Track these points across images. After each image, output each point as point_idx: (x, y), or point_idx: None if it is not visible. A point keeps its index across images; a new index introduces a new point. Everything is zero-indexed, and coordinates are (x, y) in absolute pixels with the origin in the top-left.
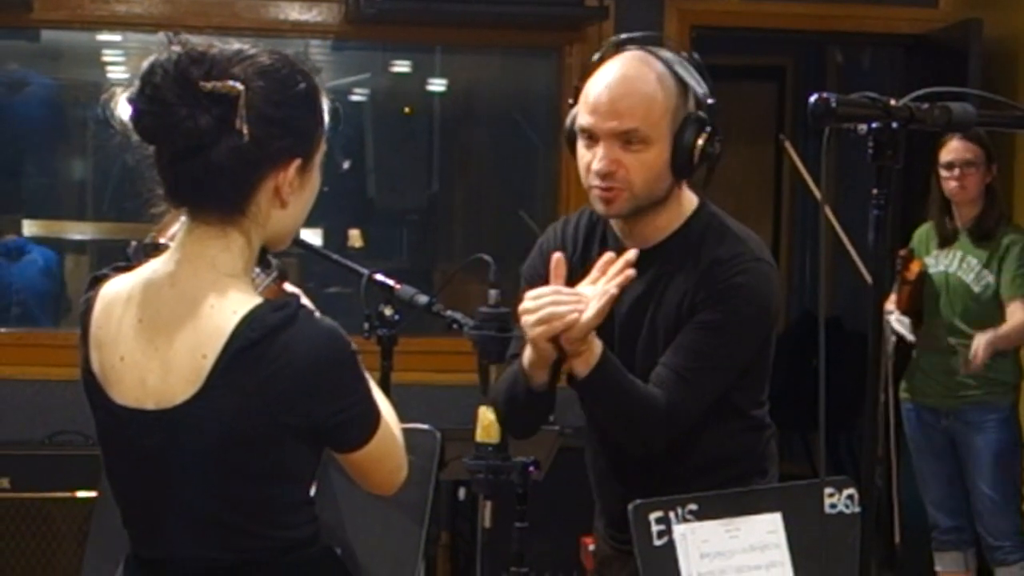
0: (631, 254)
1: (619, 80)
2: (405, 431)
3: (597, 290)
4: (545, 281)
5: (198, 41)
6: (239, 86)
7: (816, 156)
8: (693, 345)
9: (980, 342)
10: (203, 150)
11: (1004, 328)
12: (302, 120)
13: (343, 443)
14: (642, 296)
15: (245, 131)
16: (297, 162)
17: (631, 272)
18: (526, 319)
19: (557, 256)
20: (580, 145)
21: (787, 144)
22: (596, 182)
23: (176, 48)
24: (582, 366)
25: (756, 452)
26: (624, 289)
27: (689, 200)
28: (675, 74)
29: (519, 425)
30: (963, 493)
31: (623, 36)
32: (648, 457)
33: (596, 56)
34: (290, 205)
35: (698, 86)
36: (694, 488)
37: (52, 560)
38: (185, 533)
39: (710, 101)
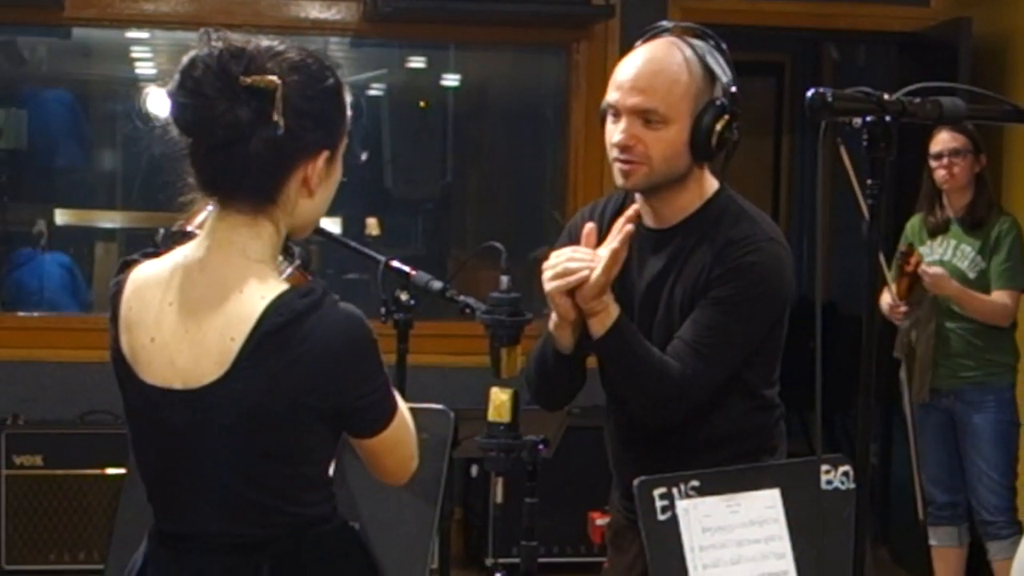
0: (632, 209)
1: (645, 61)
2: (421, 410)
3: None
4: None
5: (236, 37)
6: (277, 80)
7: (813, 149)
8: (707, 320)
9: (953, 283)
10: (241, 142)
11: (977, 296)
12: (331, 113)
13: (361, 428)
14: (661, 273)
15: (281, 123)
16: (325, 153)
17: (630, 228)
18: (545, 275)
19: (590, 226)
20: (608, 121)
21: (843, 149)
22: (616, 154)
23: (217, 43)
24: (598, 326)
25: (766, 430)
26: (645, 267)
27: (710, 184)
28: (703, 61)
29: (550, 392)
30: (959, 471)
31: (664, 23)
32: (661, 432)
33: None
34: (316, 195)
35: (724, 75)
36: (705, 463)
37: (83, 534)
38: (209, 508)
39: (733, 90)
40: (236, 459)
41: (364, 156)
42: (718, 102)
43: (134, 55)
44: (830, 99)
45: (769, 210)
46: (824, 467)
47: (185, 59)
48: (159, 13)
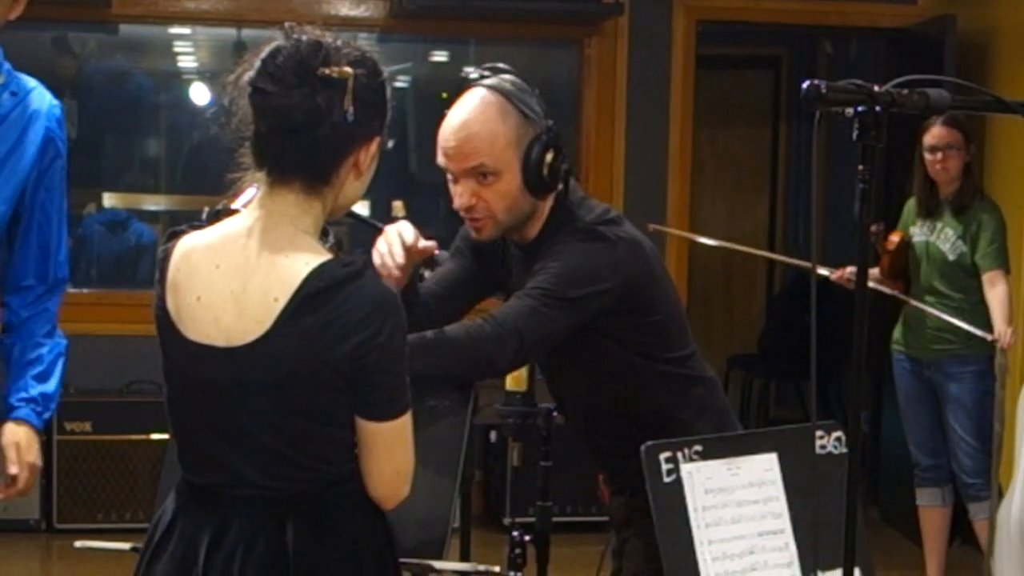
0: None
1: (462, 123)
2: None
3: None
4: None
5: (314, 31)
6: (351, 71)
7: (809, 137)
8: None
9: (1003, 328)
10: (314, 127)
11: (998, 308)
12: (384, 103)
13: (372, 408)
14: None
15: (351, 111)
16: (378, 139)
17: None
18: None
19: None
20: (449, 180)
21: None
22: (463, 214)
23: (298, 37)
24: None
25: (670, 404)
26: (520, 282)
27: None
28: (515, 105)
29: None
30: (942, 436)
31: (470, 73)
32: (590, 418)
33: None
34: (362, 176)
35: (539, 111)
36: (632, 440)
37: (129, 495)
38: (241, 461)
39: (550, 123)
40: (270, 415)
41: (391, 143)
42: (541, 138)
43: (176, 49)
44: (824, 91)
45: (767, 193)
46: (818, 433)
47: (267, 49)
48: (200, 11)
